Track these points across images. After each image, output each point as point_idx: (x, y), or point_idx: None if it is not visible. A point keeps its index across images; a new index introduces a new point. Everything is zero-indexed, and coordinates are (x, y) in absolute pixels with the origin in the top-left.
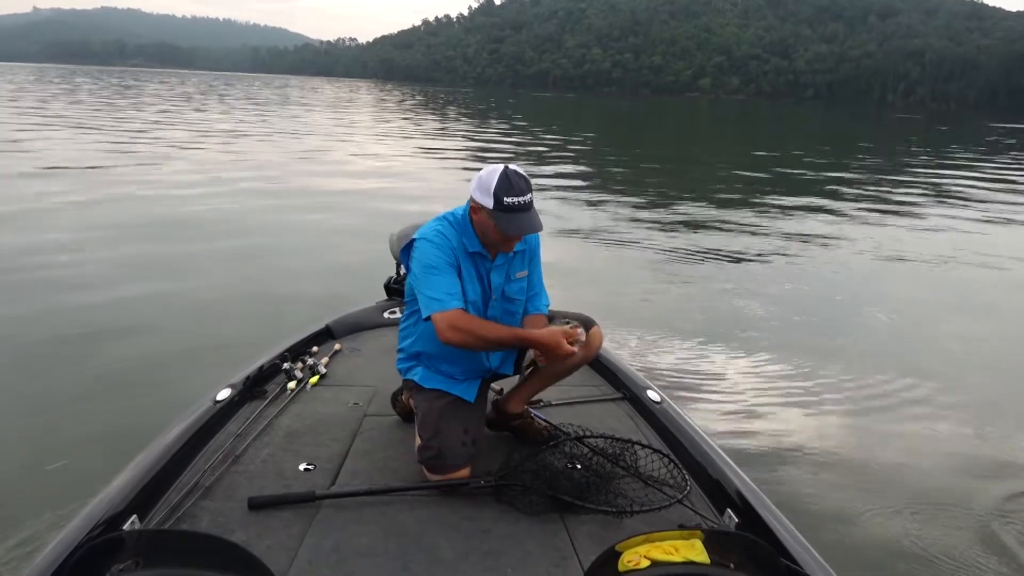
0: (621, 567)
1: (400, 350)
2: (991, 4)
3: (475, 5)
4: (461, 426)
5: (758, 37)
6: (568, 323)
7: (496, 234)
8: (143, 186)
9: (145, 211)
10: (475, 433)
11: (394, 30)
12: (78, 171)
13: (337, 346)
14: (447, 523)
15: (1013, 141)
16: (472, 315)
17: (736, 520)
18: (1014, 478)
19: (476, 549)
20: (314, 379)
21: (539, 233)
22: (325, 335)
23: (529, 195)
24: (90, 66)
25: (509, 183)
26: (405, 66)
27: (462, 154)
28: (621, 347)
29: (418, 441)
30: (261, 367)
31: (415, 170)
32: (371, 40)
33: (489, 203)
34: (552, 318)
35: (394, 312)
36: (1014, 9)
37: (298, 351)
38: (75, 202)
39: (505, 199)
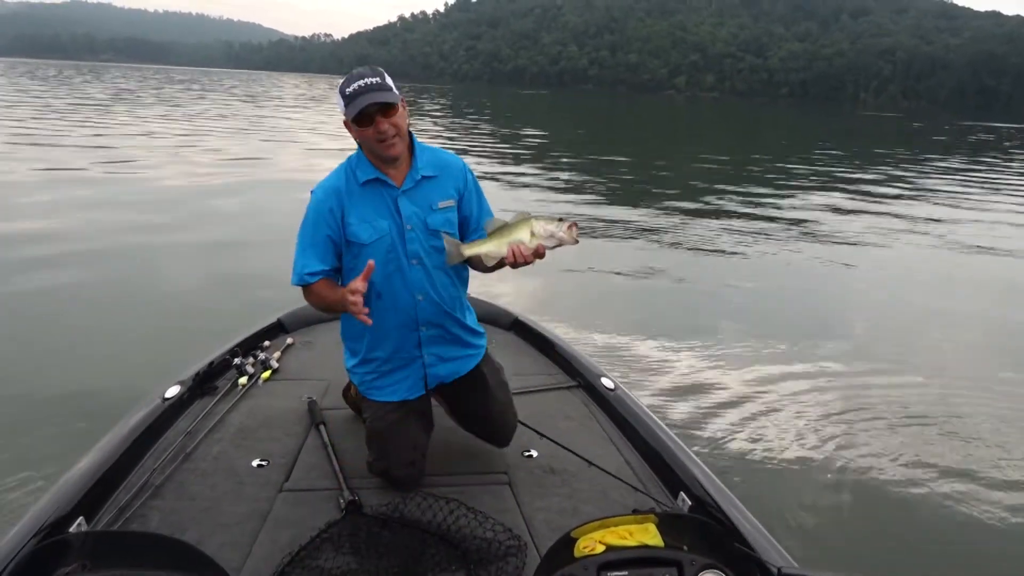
0: (577, 553)
1: (345, 345)
2: (960, 3)
3: (451, 2)
4: (409, 444)
5: (732, 35)
6: (560, 217)
7: (361, 133)
8: (106, 181)
9: (97, 203)
10: (424, 447)
11: (370, 26)
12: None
13: (289, 340)
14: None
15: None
16: (325, 285)
17: (690, 503)
18: (965, 463)
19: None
20: (266, 374)
21: (467, 164)
22: (277, 329)
23: (373, 79)
24: (61, 61)
25: (350, 76)
26: (382, 62)
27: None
28: (575, 334)
29: (367, 448)
30: (211, 363)
31: None
32: (346, 36)
33: (342, 105)
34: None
35: None
36: (983, 9)
37: (249, 346)
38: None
39: (347, 90)
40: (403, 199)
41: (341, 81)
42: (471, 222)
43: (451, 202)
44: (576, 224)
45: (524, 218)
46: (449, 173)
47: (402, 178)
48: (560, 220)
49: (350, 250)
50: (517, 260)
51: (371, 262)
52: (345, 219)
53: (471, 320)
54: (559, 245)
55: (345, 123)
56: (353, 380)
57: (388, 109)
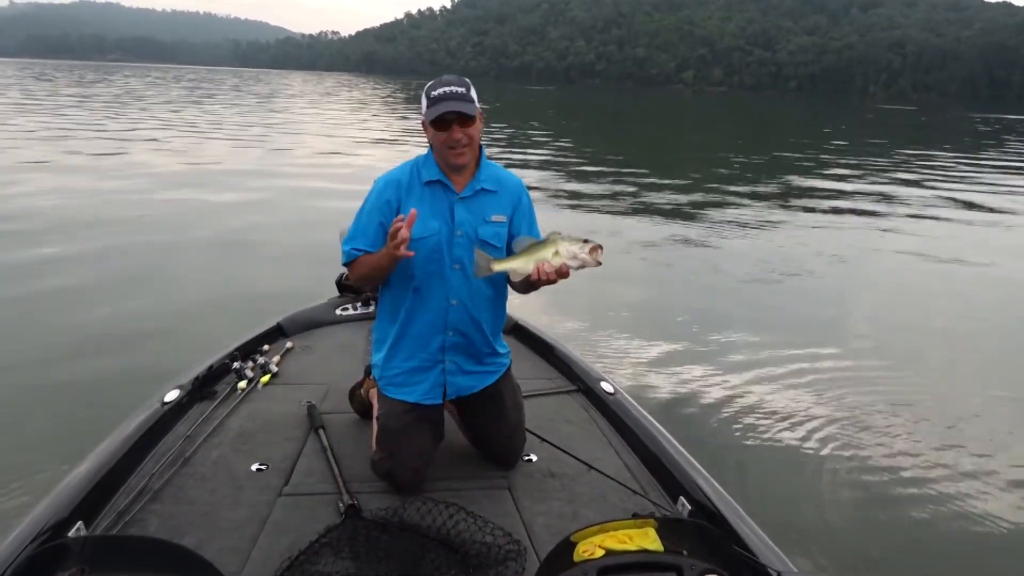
0: (576, 557)
1: (375, 337)
2: None
3: None
4: (417, 450)
5: (741, 29)
6: (585, 239)
7: (435, 136)
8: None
9: (96, 203)
10: (430, 456)
11: (376, 23)
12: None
13: (289, 344)
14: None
15: None
16: (366, 255)
17: (689, 507)
18: (972, 468)
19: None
20: (265, 378)
21: (526, 189)
22: (276, 333)
23: (459, 88)
24: (71, 61)
25: (438, 80)
26: (388, 59)
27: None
28: (575, 337)
29: (374, 446)
30: (210, 367)
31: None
32: (353, 33)
33: (424, 106)
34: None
35: (346, 309)
36: (993, 0)
37: (248, 350)
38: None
39: (432, 92)
40: (459, 205)
41: (428, 83)
42: None
43: (504, 217)
44: (600, 247)
45: (552, 238)
46: (507, 191)
47: (463, 185)
48: (585, 241)
49: None
50: (541, 278)
51: (414, 210)
52: (400, 211)
53: (499, 341)
54: (582, 266)
55: (423, 123)
56: (374, 374)
57: (465, 120)
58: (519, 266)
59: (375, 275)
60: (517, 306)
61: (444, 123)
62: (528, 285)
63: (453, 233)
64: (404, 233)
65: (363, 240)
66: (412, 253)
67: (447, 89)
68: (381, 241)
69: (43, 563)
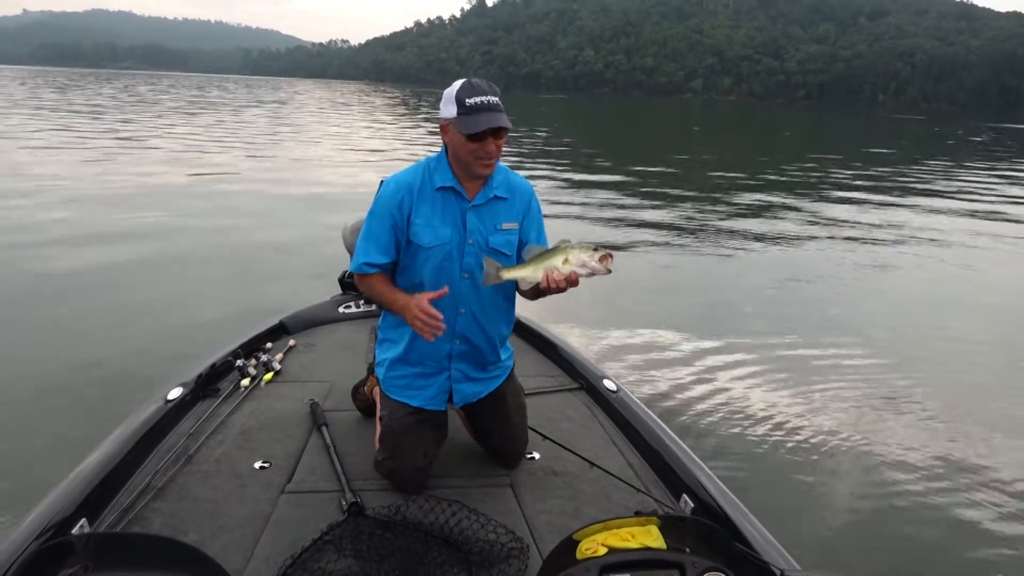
0: (579, 555)
1: (379, 336)
2: (981, 5)
3: (467, 7)
4: (420, 449)
5: (750, 38)
6: (595, 247)
7: (465, 145)
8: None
9: (99, 201)
10: (434, 455)
11: (386, 32)
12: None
13: (291, 342)
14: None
15: None
16: (381, 280)
17: (692, 505)
18: (978, 467)
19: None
20: (268, 376)
21: (536, 194)
22: (279, 331)
23: (494, 98)
24: (84, 69)
25: (471, 86)
26: (398, 68)
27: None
28: (578, 335)
29: (377, 444)
30: (213, 364)
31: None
32: (363, 42)
33: (453, 111)
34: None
35: (349, 307)
36: (1004, 9)
37: (251, 347)
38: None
39: (467, 100)
40: (471, 213)
41: (453, 86)
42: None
43: (514, 224)
44: (611, 255)
45: (562, 246)
46: (518, 196)
47: (475, 192)
48: (595, 250)
49: (409, 250)
50: (551, 286)
51: (446, 288)
52: (411, 217)
53: (504, 348)
54: (592, 274)
55: (443, 126)
56: (378, 372)
57: (501, 132)
58: (528, 274)
59: (381, 304)
60: (519, 303)
61: (481, 135)
62: (537, 293)
63: (464, 242)
64: (436, 313)
65: (376, 247)
66: (432, 339)
67: (485, 99)
68: (393, 248)
69: (47, 560)
